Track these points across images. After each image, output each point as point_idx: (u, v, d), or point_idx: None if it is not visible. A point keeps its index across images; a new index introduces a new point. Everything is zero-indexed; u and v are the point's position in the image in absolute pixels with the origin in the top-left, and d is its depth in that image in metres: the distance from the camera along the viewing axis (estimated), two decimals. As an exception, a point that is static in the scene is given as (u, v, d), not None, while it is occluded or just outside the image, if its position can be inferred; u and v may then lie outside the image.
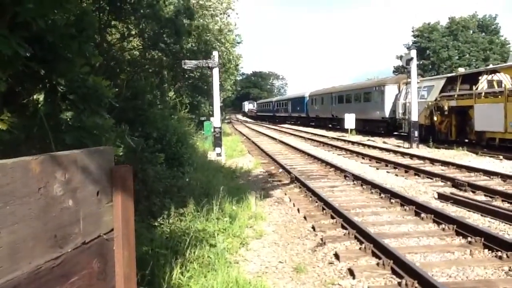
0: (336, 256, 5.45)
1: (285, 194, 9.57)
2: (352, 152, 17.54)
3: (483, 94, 17.46)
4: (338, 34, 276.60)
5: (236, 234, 6.02)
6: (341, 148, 19.25)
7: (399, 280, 4.53)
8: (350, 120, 27.15)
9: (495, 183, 9.91)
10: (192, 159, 9.77)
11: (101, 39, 7.91)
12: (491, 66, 24.11)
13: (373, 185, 9.65)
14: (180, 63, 15.13)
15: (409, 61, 20.06)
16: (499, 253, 5.17)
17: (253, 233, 6.48)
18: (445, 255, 5.40)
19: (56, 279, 1.34)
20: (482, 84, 18.43)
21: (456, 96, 19.07)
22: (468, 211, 7.52)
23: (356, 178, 10.81)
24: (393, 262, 4.86)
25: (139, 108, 7.40)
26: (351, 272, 4.88)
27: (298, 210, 8.06)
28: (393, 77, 30.02)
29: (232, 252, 5.44)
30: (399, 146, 19.47)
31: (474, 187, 9.10)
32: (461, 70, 23.46)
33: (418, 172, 11.66)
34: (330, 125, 36.71)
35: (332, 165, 13.25)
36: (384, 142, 21.89)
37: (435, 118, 19.88)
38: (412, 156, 15.40)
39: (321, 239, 6.16)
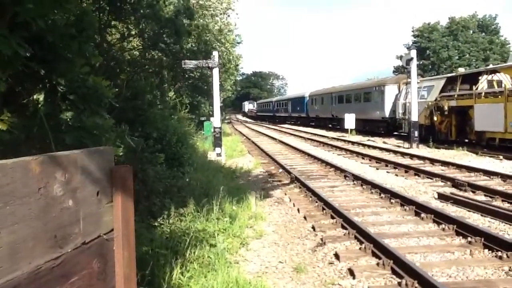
0: (336, 256, 5.45)
1: (285, 194, 9.57)
2: (352, 152, 17.54)
3: (483, 94, 17.46)
4: (338, 34, 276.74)
5: (236, 234, 6.02)
6: (341, 148, 19.25)
7: (399, 280, 4.53)
8: (350, 120, 27.15)
9: (495, 183, 9.91)
10: (192, 159, 9.77)
11: (101, 39, 7.91)
12: (491, 66, 24.11)
13: (373, 185, 9.65)
14: (180, 63, 15.13)
15: (409, 61, 20.07)
16: (499, 253, 5.17)
17: (253, 233, 6.48)
18: (445, 255, 5.40)
19: (56, 279, 1.34)
20: (482, 84, 18.43)
21: (456, 96, 19.07)
22: (468, 211, 7.52)
23: (356, 178, 10.81)
24: (393, 262, 4.86)
25: (139, 108, 7.40)
26: (351, 272, 4.88)
27: (298, 210, 8.06)
28: (393, 77, 30.02)
29: (232, 252, 5.44)
30: (399, 146, 19.47)
31: (474, 187, 9.10)
32: (461, 70, 23.46)
33: (418, 172, 11.66)
34: (330, 125, 36.71)
35: (332, 165, 13.25)
36: (384, 142, 21.89)
37: (435, 118, 19.88)
38: (412, 156, 15.40)
39: (321, 239, 6.16)
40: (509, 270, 4.82)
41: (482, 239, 5.59)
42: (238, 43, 28.54)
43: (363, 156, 15.98)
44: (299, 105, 47.76)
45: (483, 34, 59.96)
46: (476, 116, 17.09)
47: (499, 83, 18.08)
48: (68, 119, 3.14)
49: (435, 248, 5.65)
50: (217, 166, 12.75)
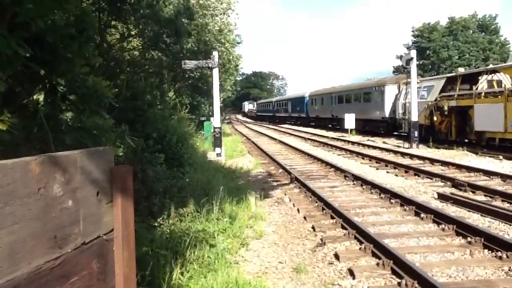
0: (336, 256, 5.45)
1: (285, 194, 9.57)
2: (352, 152, 17.54)
3: (483, 94, 17.46)
4: (338, 34, 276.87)
5: (236, 234, 6.02)
6: (341, 148, 19.25)
7: (399, 280, 4.53)
8: (350, 120, 27.15)
9: (495, 183, 9.92)
10: (192, 159, 9.77)
11: (101, 39, 7.91)
12: (491, 66, 24.12)
13: (373, 185, 9.65)
14: (180, 63, 15.13)
15: (409, 61, 20.07)
16: (499, 253, 5.17)
17: (253, 234, 6.48)
18: (445, 255, 5.40)
19: (56, 279, 1.34)
20: (482, 84, 18.43)
21: (456, 96, 19.07)
22: (468, 211, 7.52)
23: (356, 178, 10.81)
24: (393, 262, 4.86)
25: (139, 109, 7.40)
26: (351, 272, 4.88)
27: (298, 210, 8.06)
28: (393, 77, 30.01)
29: (232, 253, 5.44)
30: (399, 146, 19.47)
31: (474, 187, 9.11)
32: (461, 70, 23.47)
33: (418, 172, 11.66)
34: (330, 125, 36.71)
35: (332, 165, 13.25)
36: (384, 142, 21.89)
37: (435, 118, 19.88)
38: (412, 156, 15.40)
39: (321, 239, 6.16)
40: (509, 270, 4.82)
41: (482, 239, 5.60)
42: (238, 43, 28.58)
43: (363, 156, 15.98)
44: (299, 105, 47.76)
45: (483, 34, 59.95)
46: (476, 116, 17.09)
47: (499, 83, 18.08)
48: (68, 120, 3.14)
49: (435, 248, 5.65)
50: (217, 166, 12.75)
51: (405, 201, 7.98)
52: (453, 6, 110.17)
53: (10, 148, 2.75)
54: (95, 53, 3.70)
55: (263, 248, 5.95)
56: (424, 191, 9.43)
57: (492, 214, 7.09)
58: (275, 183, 11.09)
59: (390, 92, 25.95)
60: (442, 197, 8.54)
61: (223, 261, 4.84)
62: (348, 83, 38.60)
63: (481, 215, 7.18)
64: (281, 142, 24.30)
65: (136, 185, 5.52)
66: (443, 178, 10.55)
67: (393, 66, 65.24)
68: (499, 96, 16.23)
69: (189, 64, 15.34)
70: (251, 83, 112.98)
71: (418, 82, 20.81)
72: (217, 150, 16.30)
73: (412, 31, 62.88)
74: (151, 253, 4.44)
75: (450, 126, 19.36)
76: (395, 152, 16.96)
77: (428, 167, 12.69)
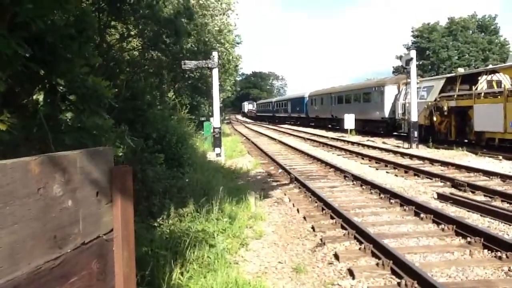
0: (336, 256, 5.45)
1: (285, 195, 9.57)
2: (351, 152, 17.55)
3: (482, 94, 17.47)
4: (338, 34, 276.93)
5: (236, 234, 6.02)
6: (340, 149, 19.25)
7: (399, 280, 4.53)
8: (349, 121, 27.15)
9: (495, 183, 9.92)
10: (191, 159, 9.77)
11: (101, 39, 7.90)
12: (490, 66, 24.13)
13: (372, 186, 9.66)
14: (180, 63, 15.12)
15: (408, 61, 20.07)
16: (499, 253, 5.17)
17: (253, 234, 6.48)
18: (445, 255, 5.40)
19: (55, 279, 1.34)
20: (482, 85, 18.44)
21: (455, 96, 19.08)
22: (468, 211, 7.53)
23: (355, 178, 10.81)
24: (393, 263, 4.86)
25: (138, 109, 7.40)
26: (350, 273, 4.88)
27: (298, 210, 8.06)
28: (393, 78, 30.02)
29: (231, 253, 5.44)
30: (398, 147, 19.48)
31: (474, 187, 9.11)
32: (461, 70, 23.46)
33: (417, 172, 11.67)
34: (329, 126, 36.71)
35: (331, 166, 13.26)
36: (384, 143, 21.90)
37: (434, 119, 19.89)
38: (411, 156, 15.41)
39: (321, 240, 6.16)
40: (509, 270, 4.82)
41: (482, 239, 5.60)
42: (238, 43, 28.58)
43: (363, 156, 15.99)
44: (298, 105, 47.76)
45: (483, 34, 59.97)
46: (476, 116, 17.10)
47: (499, 83, 18.09)
48: (68, 120, 3.14)
49: (435, 248, 5.65)
50: (216, 166, 12.76)
51: (404, 201, 7.98)
52: (452, 6, 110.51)
53: (10, 148, 2.75)
54: (95, 53, 3.71)
55: (263, 248, 5.95)
56: (423, 191, 9.44)
57: (491, 214, 7.09)
58: (274, 183, 11.09)
59: (389, 92, 25.95)
60: (441, 197, 8.55)
61: (223, 261, 4.84)
62: (347, 83, 38.62)
63: (481, 215, 7.19)
64: (280, 142, 24.30)
65: (136, 185, 5.52)
66: (443, 178, 10.56)
67: (393, 66, 65.33)
68: (499, 97, 16.23)
69: (189, 64, 15.34)
70: (250, 83, 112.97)
71: (417, 83, 20.82)
72: (217, 150, 16.30)
73: (412, 31, 62.92)
74: (151, 253, 4.44)
75: (450, 126, 19.37)
76: (395, 152, 16.97)
77: (427, 167, 12.70)
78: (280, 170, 13.20)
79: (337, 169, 12.59)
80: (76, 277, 1.43)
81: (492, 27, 60.08)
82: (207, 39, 19.54)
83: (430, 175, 11.10)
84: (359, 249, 5.64)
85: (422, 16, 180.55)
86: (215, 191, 7.02)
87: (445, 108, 19.14)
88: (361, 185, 10.08)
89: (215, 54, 16.71)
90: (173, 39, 10.73)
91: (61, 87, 3.17)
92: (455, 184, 9.67)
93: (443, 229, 6.35)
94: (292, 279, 4.88)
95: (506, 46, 58.69)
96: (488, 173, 10.91)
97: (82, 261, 1.48)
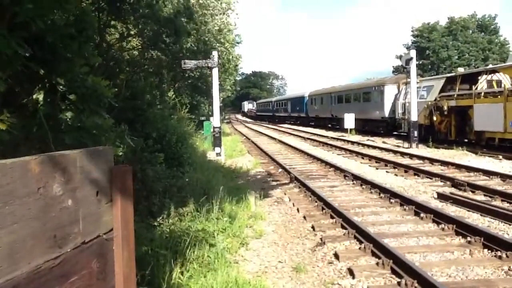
0: (336, 256, 5.45)
1: (285, 194, 9.58)
2: (351, 152, 17.55)
3: (482, 94, 17.46)
4: (337, 34, 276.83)
5: (236, 234, 6.02)
6: (340, 148, 19.25)
7: (399, 280, 4.53)
8: (349, 120, 27.15)
9: (495, 183, 9.92)
10: (191, 159, 9.76)
11: (101, 39, 7.90)
12: (490, 66, 24.12)
13: (372, 185, 9.66)
14: (180, 63, 15.11)
15: (408, 61, 20.06)
16: (499, 253, 5.18)
17: (253, 233, 6.49)
18: (445, 254, 5.40)
19: (55, 279, 1.34)
20: (482, 84, 18.44)
21: (455, 96, 19.07)
22: (468, 211, 7.53)
23: (355, 178, 10.81)
24: (393, 262, 4.87)
25: (138, 108, 7.40)
26: (350, 272, 4.88)
27: (298, 210, 8.06)
28: (393, 77, 30.01)
29: (231, 252, 5.45)
30: (398, 146, 19.48)
31: (474, 187, 9.11)
32: (461, 70, 23.47)
33: (417, 172, 11.67)
34: (329, 125, 36.71)
35: (331, 165, 13.26)
36: (384, 142, 21.90)
37: (434, 118, 19.88)
38: (411, 156, 15.41)
39: (321, 239, 6.16)
40: (509, 270, 4.83)
41: (482, 239, 5.60)
42: (238, 43, 28.56)
43: (363, 156, 15.99)
44: (298, 105, 47.75)
45: (483, 34, 59.95)
46: (476, 116, 17.09)
47: (499, 83, 18.08)
48: (68, 119, 3.14)
49: (435, 247, 5.65)
50: (216, 165, 12.76)
51: (404, 201, 7.98)
52: (452, 6, 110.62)
53: (10, 148, 2.75)
54: (95, 53, 3.70)
55: (263, 248, 5.95)
56: (423, 191, 9.44)
57: (491, 213, 7.09)
58: (274, 183, 11.09)
59: (389, 92, 25.95)
60: (441, 196, 8.55)
61: (223, 260, 4.84)
62: (347, 83, 38.61)
63: (481, 215, 7.19)
64: (280, 141, 24.30)
65: (136, 185, 5.52)
66: (443, 177, 10.56)
67: (393, 66, 65.30)
68: (499, 96, 16.23)
69: (189, 63, 15.33)
70: (250, 83, 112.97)
71: (417, 82, 20.81)
72: (217, 149, 16.30)
73: (412, 31, 62.90)
74: (151, 253, 4.44)
75: (450, 126, 19.37)
76: (395, 152, 16.96)
77: (427, 167, 12.70)
78: (280, 170, 13.20)
79: (337, 168, 12.59)
80: (76, 276, 1.43)
81: (492, 27, 60.05)
82: (207, 38, 19.52)
83: (430, 174, 11.10)
84: (359, 248, 5.64)
85: (422, 16, 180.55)
86: (215, 191, 7.02)
87: (445, 107, 19.14)
88: (361, 185, 10.08)
89: (215, 53, 16.70)
90: (173, 39, 10.72)
91: (61, 87, 3.17)
92: (455, 183, 9.67)
93: (443, 229, 6.35)
94: (292, 278, 4.88)
95: (506, 46, 58.68)
96: (488, 173, 10.91)
97: (82, 260, 1.48)
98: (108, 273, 1.64)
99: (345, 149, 18.54)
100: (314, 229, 6.73)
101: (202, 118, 23.20)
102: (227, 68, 26.62)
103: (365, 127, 28.97)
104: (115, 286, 1.67)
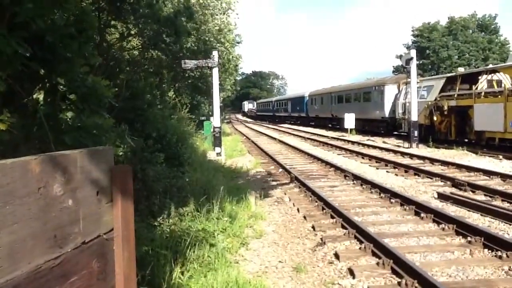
0: (336, 255, 5.45)
1: (285, 194, 9.57)
2: (352, 151, 17.55)
3: (482, 94, 17.46)
4: (337, 34, 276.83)
5: (236, 233, 6.02)
6: (341, 148, 19.25)
7: (399, 280, 4.53)
8: (350, 120, 27.15)
9: (495, 183, 9.92)
10: (191, 159, 9.76)
11: (101, 39, 7.90)
12: (490, 66, 24.11)
13: (373, 185, 9.65)
14: (180, 63, 15.11)
15: (408, 60, 20.06)
16: (499, 253, 5.17)
17: (253, 233, 6.48)
18: (445, 254, 5.40)
19: (55, 279, 1.33)
20: (482, 84, 18.43)
21: (455, 96, 19.07)
22: (468, 210, 7.52)
23: (356, 177, 10.81)
24: (393, 262, 4.86)
25: (138, 108, 7.39)
26: (351, 272, 4.88)
27: (298, 209, 8.06)
28: (393, 77, 30.01)
29: (232, 252, 5.44)
30: (399, 146, 19.47)
31: (474, 187, 9.11)
32: (461, 69, 23.47)
33: (418, 171, 11.66)
34: (330, 125, 36.70)
35: (332, 165, 13.25)
36: (384, 142, 21.89)
37: (434, 118, 19.88)
38: (412, 156, 15.40)
39: (321, 239, 6.16)
40: (509, 269, 4.82)
41: (482, 238, 5.60)
42: (238, 43, 28.56)
43: (363, 155, 15.98)
44: (299, 105, 47.75)
45: (483, 33, 59.96)
46: (476, 116, 17.09)
47: (499, 83, 18.07)
48: (68, 119, 3.14)
49: (435, 247, 5.65)
50: (216, 165, 12.75)
51: (405, 201, 7.98)
52: (452, 6, 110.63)
53: (10, 148, 2.75)
54: (95, 53, 3.70)
55: (263, 248, 5.95)
56: (424, 191, 9.44)
57: (492, 213, 7.09)
58: (275, 183, 11.09)
59: (390, 92, 25.95)
60: (442, 196, 8.55)
61: (223, 260, 4.84)
62: (347, 83, 38.61)
63: (481, 215, 7.18)
64: (281, 141, 24.30)
65: (136, 185, 5.51)
66: (443, 177, 10.55)
67: (393, 66, 65.32)
68: (499, 96, 16.23)
69: (189, 63, 15.32)
70: (251, 83, 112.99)
71: (418, 82, 20.81)
72: (217, 149, 16.30)
73: (412, 31, 62.92)
74: (151, 253, 4.44)
75: (450, 126, 19.37)
76: (395, 152, 16.96)
77: (428, 167, 12.69)
78: (280, 170, 13.20)
79: (337, 168, 12.58)
80: (76, 276, 1.43)
81: (492, 26, 60.06)
82: (207, 38, 19.52)
83: (431, 174, 11.10)
84: (360, 248, 5.64)
85: (422, 15, 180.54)
86: (215, 191, 7.02)
87: (445, 107, 19.14)
88: (361, 185, 10.07)
89: (215, 53, 16.70)
90: (173, 39, 10.72)
91: (61, 87, 3.17)
92: (455, 183, 9.66)
93: (443, 229, 6.35)
94: (292, 278, 4.88)
95: (506, 46, 58.69)
96: (488, 173, 10.91)
97: (82, 260, 1.47)
98: (108, 273, 1.64)
99: (345, 149, 18.54)
100: (314, 229, 6.73)
101: (202, 118, 23.21)
102: (227, 68, 26.60)
103: (365, 127, 28.97)
104: (115, 286, 1.67)
